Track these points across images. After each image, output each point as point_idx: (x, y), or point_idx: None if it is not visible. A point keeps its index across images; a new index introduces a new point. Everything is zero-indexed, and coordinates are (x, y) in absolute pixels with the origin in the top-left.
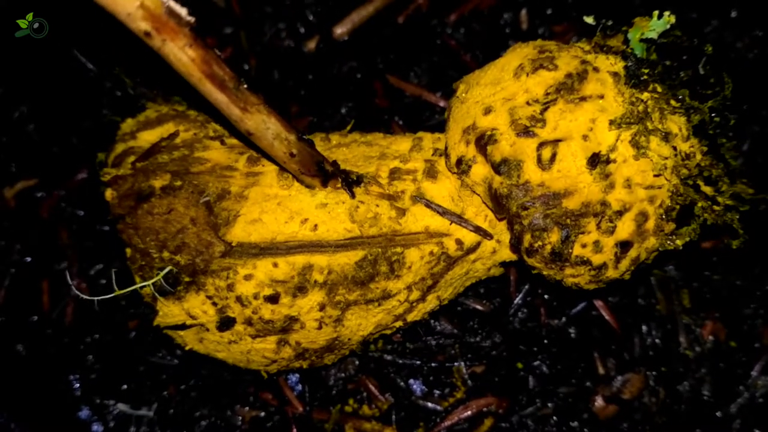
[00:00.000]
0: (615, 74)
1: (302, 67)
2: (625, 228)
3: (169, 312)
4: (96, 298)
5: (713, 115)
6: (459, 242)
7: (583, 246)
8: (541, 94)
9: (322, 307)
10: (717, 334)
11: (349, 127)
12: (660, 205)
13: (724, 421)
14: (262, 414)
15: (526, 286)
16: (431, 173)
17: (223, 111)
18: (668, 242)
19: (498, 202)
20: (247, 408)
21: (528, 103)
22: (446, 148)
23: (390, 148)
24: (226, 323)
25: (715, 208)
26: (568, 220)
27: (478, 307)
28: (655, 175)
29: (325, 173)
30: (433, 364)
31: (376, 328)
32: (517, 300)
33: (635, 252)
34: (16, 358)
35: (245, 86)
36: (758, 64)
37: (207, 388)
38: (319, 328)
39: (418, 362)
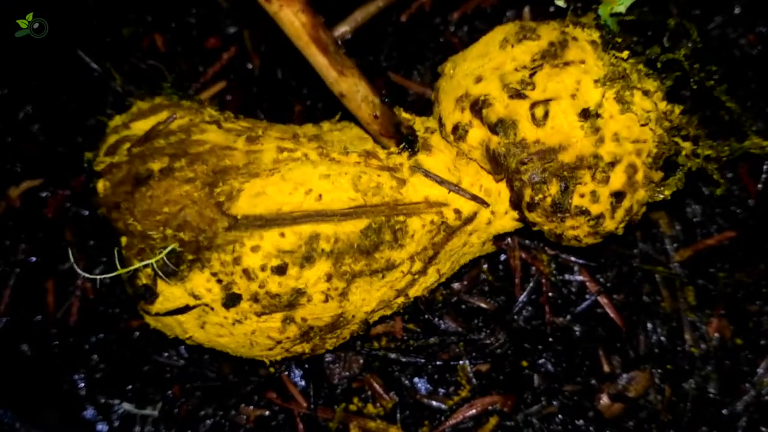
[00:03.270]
0: (593, 42)
1: (305, 66)
2: (617, 179)
3: (170, 295)
4: (98, 277)
5: (691, 61)
6: (457, 212)
7: (581, 196)
8: (528, 61)
9: (329, 278)
10: (722, 332)
11: (338, 117)
12: (647, 155)
13: (730, 419)
14: (267, 413)
15: (531, 284)
16: (426, 147)
17: (321, 73)
18: (657, 193)
19: (496, 162)
20: (251, 407)
21: (516, 70)
22: (440, 119)
23: None
24: (232, 300)
25: (696, 160)
26: (566, 173)
27: (483, 305)
28: (642, 125)
29: (401, 135)
30: (437, 363)
31: (379, 304)
32: (522, 298)
33: (628, 202)
34: (21, 358)
35: (343, 51)
36: (762, 60)
37: (211, 387)
38: (326, 301)
39: (423, 361)
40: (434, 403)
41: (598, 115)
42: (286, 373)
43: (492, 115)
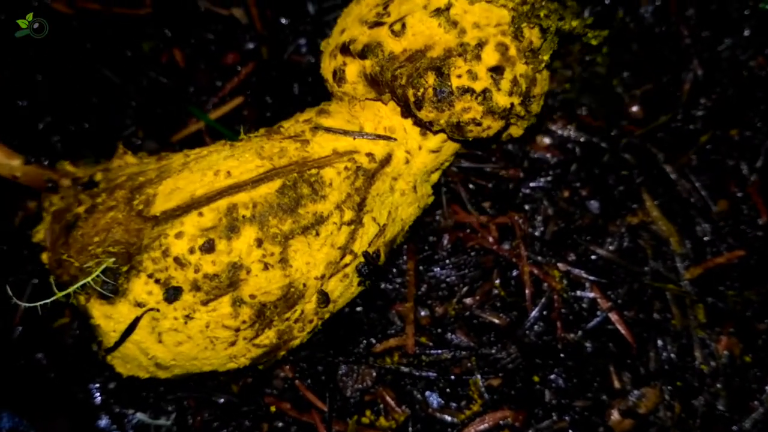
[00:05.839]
0: None
1: (322, 82)
2: (490, 57)
3: (119, 316)
4: (38, 304)
5: None
6: (370, 155)
7: (459, 77)
8: (380, 0)
9: (260, 243)
10: (732, 349)
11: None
12: (512, 31)
13: None
14: (280, 425)
15: (542, 300)
16: (324, 112)
17: None
18: (537, 63)
19: (376, 82)
20: (265, 419)
21: (371, 9)
22: (323, 77)
23: (283, 122)
24: (173, 293)
25: (555, 18)
26: (438, 62)
27: (494, 320)
28: (487, 1)
29: (57, 187)
30: (449, 377)
31: (327, 267)
32: (533, 313)
33: (510, 74)
34: (37, 367)
35: None
36: None
37: (225, 398)
38: (266, 269)
39: (435, 375)
40: (446, 417)
41: (448, 8)
42: (301, 381)
43: (358, 45)
